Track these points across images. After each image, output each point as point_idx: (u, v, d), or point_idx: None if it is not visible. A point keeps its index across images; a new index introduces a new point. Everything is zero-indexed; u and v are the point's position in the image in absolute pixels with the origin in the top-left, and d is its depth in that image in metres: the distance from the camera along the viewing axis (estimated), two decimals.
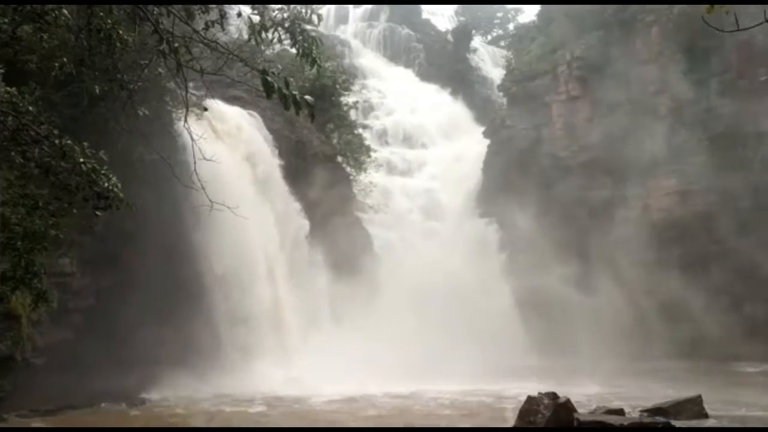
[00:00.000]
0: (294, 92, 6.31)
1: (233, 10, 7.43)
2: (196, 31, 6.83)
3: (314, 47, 6.73)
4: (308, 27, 6.82)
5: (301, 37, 6.65)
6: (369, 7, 59.33)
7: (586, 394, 18.84)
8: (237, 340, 23.59)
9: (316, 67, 6.82)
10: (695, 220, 29.93)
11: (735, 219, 28.38)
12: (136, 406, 19.45)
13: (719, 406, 17.05)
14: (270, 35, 6.78)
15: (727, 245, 28.42)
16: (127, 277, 22.06)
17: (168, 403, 20.00)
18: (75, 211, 8.82)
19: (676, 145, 30.78)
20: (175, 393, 20.80)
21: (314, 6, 7.30)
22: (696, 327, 27.48)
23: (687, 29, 29.46)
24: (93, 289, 22.16)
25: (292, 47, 6.75)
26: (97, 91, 8.15)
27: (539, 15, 41.26)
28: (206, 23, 6.93)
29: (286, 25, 6.67)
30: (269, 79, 6.22)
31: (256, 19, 6.82)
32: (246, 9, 7.48)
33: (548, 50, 36.28)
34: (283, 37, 6.76)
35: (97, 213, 8.13)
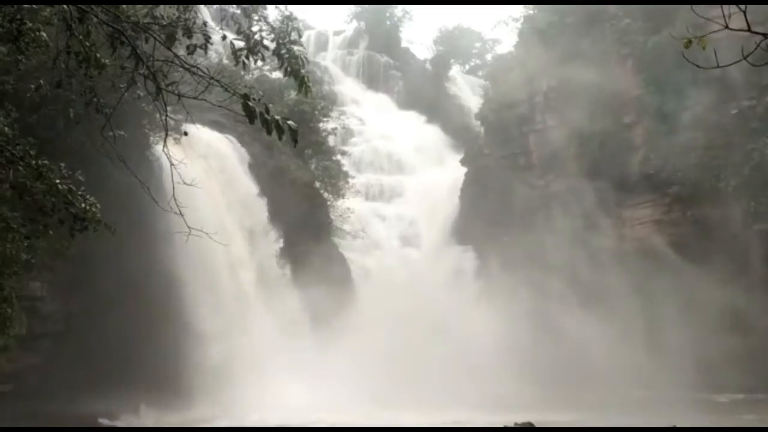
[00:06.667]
0: (276, 117, 6.28)
1: (217, 34, 7.38)
2: (177, 56, 6.79)
3: (302, 66, 6.68)
4: (294, 48, 6.78)
5: (287, 55, 6.60)
6: (349, 34, 59.82)
7: (564, 423, 18.75)
8: (208, 364, 23.23)
9: (304, 88, 6.75)
10: (670, 250, 30.25)
11: (709, 249, 28.71)
12: None
13: None
14: (254, 57, 6.74)
15: (701, 275, 28.70)
16: (98, 301, 21.67)
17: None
18: (51, 232, 8.66)
19: (650, 176, 31.24)
20: (143, 419, 20.38)
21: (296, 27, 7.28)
22: (671, 357, 27.59)
23: (661, 63, 30.06)
24: (63, 314, 21.74)
25: (279, 68, 6.70)
26: (72, 115, 8.06)
27: (516, 46, 41.84)
28: (188, 47, 6.89)
29: (272, 46, 6.63)
30: (250, 104, 6.20)
31: (241, 44, 6.80)
32: (230, 33, 7.46)
33: (525, 80, 36.69)
34: (268, 58, 6.72)
35: (72, 235, 7.98)
